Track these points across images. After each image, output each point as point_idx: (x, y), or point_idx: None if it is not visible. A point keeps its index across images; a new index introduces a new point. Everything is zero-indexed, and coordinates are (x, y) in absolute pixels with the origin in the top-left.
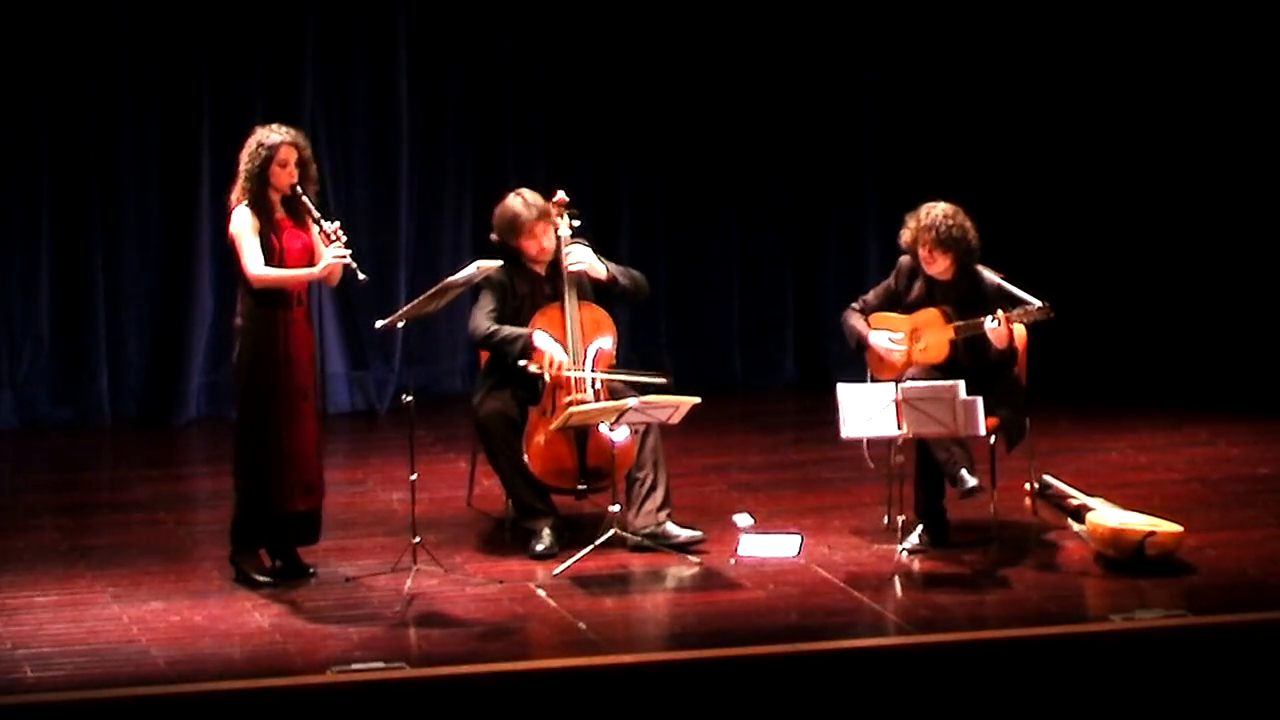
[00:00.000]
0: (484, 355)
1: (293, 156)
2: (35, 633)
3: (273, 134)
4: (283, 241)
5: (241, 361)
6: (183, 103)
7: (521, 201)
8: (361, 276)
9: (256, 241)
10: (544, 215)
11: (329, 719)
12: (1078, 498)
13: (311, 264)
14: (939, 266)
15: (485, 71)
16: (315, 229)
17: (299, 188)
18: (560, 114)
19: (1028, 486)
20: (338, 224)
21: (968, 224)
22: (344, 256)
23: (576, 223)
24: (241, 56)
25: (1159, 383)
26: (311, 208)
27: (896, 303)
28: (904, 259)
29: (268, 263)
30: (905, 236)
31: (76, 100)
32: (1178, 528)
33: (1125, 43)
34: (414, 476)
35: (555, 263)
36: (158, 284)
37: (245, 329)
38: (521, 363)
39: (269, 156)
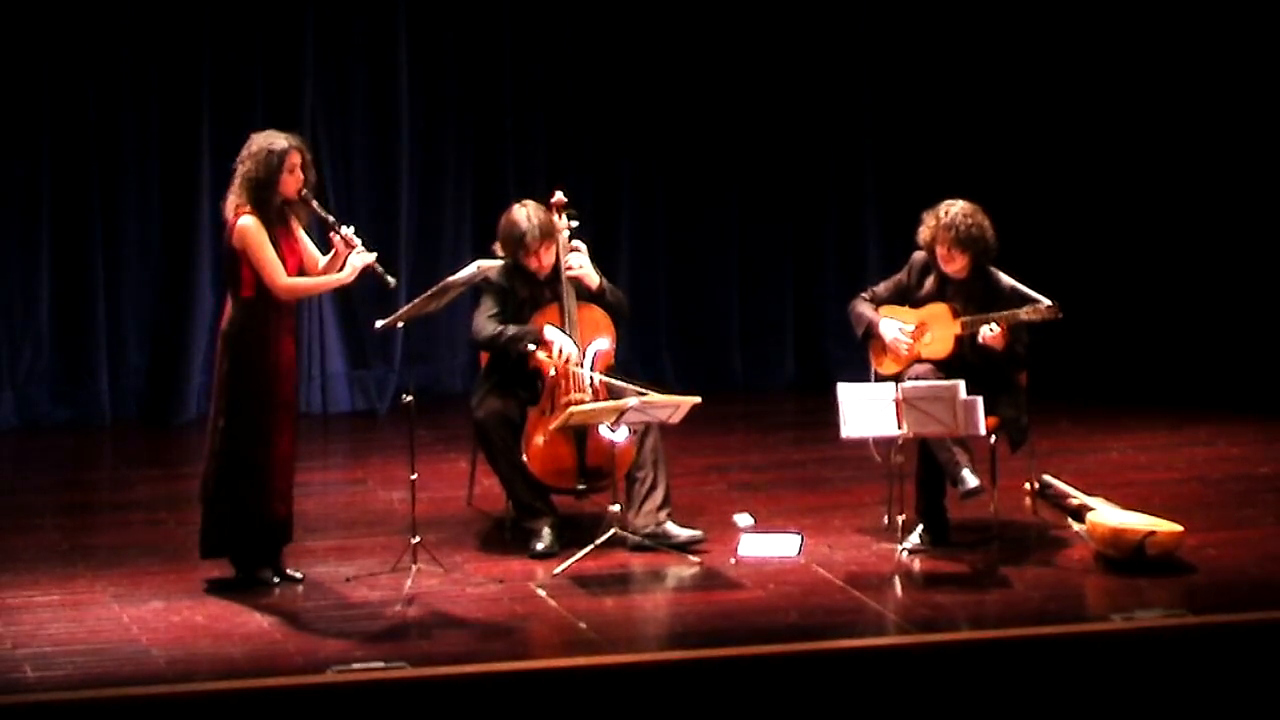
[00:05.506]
0: (484, 356)
1: (299, 161)
2: (35, 632)
3: (279, 140)
4: (282, 251)
5: (229, 373)
6: (183, 103)
7: (526, 218)
8: (391, 281)
9: (273, 250)
10: (548, 236)
11: (329, 719)
12: (1078, 497)
13: (301, 273)
14: (956, 265)
15: (485, 71)
16: (333, 235)
17: (305, 192)
18: (560, 114)
19: (1028, 486)
20: (352, 228)
21: (986, 223)
22: (372, 262)
23: (575, 223)
24: (241, 56)
25: (1159, 383)
26: (323, 212)
27: (906, 297)
28: (918, 254)
29: None
30: (923, 234)
31: (77, 100)
32: (1178, 527)
33: (1125, 42)
34: (414, 476)
35: (555, 265)
36: (158, 284)
37: (235, 339)
38: (531, 347)
39: (279, 163)
